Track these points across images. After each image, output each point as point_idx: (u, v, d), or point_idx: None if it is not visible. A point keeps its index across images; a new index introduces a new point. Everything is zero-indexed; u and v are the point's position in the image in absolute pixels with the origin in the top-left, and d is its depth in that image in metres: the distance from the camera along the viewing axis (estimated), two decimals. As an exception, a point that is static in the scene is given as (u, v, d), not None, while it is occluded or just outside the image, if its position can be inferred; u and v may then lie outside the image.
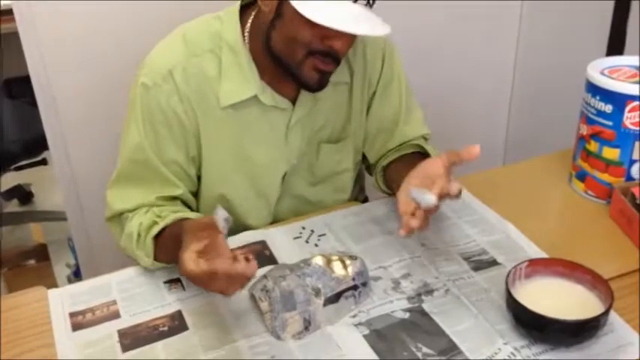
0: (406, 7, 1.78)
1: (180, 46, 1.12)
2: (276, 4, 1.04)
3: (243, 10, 1.14)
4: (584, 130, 1.28)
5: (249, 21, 1.12)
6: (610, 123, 1.22)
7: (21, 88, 2.85)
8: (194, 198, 1.21)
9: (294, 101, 1.18)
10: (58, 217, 2.44)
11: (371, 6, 1.02)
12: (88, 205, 1.66)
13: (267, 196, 1.24)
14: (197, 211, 1.23)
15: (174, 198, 1.16)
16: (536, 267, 1.02)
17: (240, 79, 1.12)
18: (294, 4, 0.98)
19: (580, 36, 2.05)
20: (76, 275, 2.17)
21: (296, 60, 1.06)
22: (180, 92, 1.10)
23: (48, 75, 1.56)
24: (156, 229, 1.08)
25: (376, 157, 1.31)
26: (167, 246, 1.06)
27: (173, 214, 1.10)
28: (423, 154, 1.25)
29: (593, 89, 1.24)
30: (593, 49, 2.00)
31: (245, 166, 1.19)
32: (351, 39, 1.06)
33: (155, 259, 1.09)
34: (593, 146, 1.27)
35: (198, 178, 1.20)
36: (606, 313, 0.93)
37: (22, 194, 2.78)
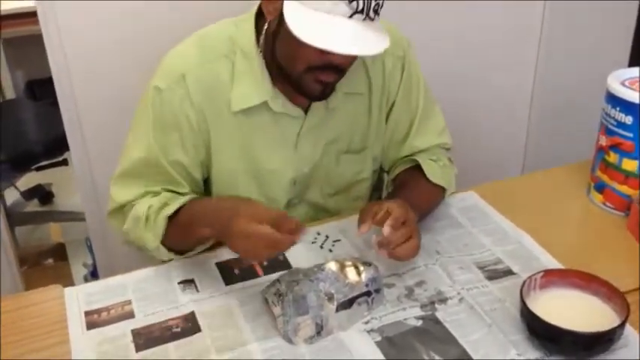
0: (423, 15, 1.78)
1: (195, 51, 1.13)
2: (278, 15, 1.03)
3: (260, 17, 1.13)
4: (604, 141, 1.27)
5: (265, 27, 1.12)
6: (630, 134, 1.21)
7: (43, 90, 2.91)
8: None
9: (306, 109, 1.18)
10: (77, 217, 2.46)
11: (372, 19, 0.99)
12: (107, 206, 1.68)
13: (276, 201, 1.24)
14: None
15: (179, 194, 1.17)
16: (551, 277, 1.01)
17: (252, 85, 1.12)
18: (289, 23, 0.97)
19: (602, 46, 2.03)
20: (93, 275, 2.19)
21: (297, 72, 1.06)
22: (191, 97, 1.11)
23: (70, 77, 1.59)
24: (171, 209, 1.09)
25: (389, 165, 1.31)
26: (182, 225, 1.08)
27: (187, 195, 1.12)
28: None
29: (613, 100, 1.23)
30: (615, 59, 1.98)
31: (253, 169, 1.19)
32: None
33: (164, 242, 1.10)
34: (612, 158, 1.26)
35: (206, 181, 1.21)
36: (621, 326, 0.92)
37: (43, 194, 2.82)
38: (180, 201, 1.11)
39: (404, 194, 1.16)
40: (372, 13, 0.98)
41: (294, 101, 1.16)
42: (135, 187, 1.15)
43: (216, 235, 1.07)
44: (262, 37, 1.11)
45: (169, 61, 1.14)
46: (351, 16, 0.97)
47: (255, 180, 1.21)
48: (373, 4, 0.97)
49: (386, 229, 1.02)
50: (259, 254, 1.00)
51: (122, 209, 1.16)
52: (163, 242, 1.11)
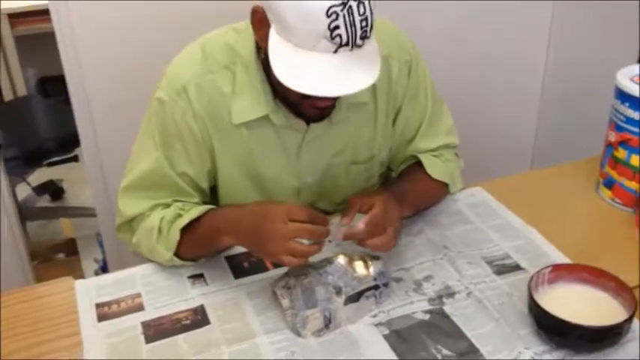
0: (431, 15, 1.78)
1: (196, 61, 1.11)
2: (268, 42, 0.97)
3: None
4: (613, 137, 1.27)
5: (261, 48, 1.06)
6: (638, 130, 1.21)
7: (55, 87, 2.94)
8: None
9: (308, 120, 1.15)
10: (87, 213, 2.49)
11: (361, 46, 0.92)
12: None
13: None
14: None
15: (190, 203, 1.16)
16: (559, 272, 1.02)
17: (252, 98, 1.10)
18: (272, 65, 0.94)
19: (612, 42, 2.02)
20: (104, 270, 2.21)
21: (293, 100, 1.05)
22: (193, 109, 1.10)
23: (82, 75, 1.60)
24: (184, 221, 1.08)
25: (396, 165, 1.31)
26: (199, 236, 1.08)
27: (200, 206, 1.11)
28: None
29: (623, 96, 1.22)
30: (624, 55, 1.97)
31: (256, 179, 1.19)
32: None
33: (176, 253, 1.10)
34: (621, 154, 1.25)
35: (213, 189, 1.21)
36: (629, 320, 0.92)
37: (54, 190, 2.84)
38: (193, 212, 1.10)
39: (399, 185, 1.20)
40: (359, 41, 0.91)
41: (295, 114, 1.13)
42: (143, 200, 1.14)
43: (241, 243, 1.07)
44: (262, 54, 1.07)
45: (171, 70, 1.13)
46: (336, 51, 0.91)
47: (259, 188, 1.20)
48: (359, 32, 0.90)
49: (360, 226, 1.03)
50: (310, 249, 0.99)
51: (130, 223, 1.15)
52: (176, 253, 1.10)
